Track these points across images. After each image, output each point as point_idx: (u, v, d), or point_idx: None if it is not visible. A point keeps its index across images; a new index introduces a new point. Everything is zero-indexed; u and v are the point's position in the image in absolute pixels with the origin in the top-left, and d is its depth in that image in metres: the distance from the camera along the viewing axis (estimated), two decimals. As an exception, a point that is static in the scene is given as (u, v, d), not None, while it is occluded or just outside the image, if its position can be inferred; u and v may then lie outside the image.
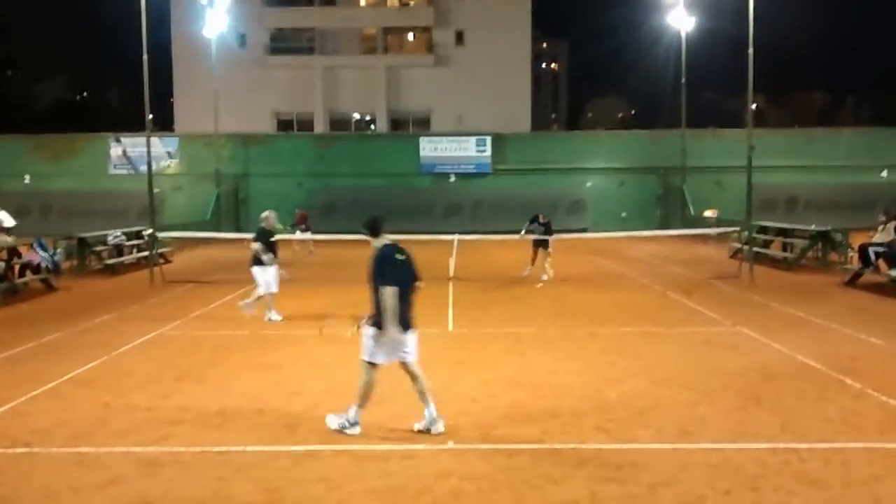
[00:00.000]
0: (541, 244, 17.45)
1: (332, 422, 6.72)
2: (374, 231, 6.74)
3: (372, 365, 6.59)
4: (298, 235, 23.52)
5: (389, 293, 6.33)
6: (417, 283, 6.79)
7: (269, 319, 12.32)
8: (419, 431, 6.59)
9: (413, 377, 6.67)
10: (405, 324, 6.51)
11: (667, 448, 6.22)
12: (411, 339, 6.65)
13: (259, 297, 12.30)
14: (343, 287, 16.83)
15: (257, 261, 12.18)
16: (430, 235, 21.12)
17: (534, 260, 17.52)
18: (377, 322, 6.48)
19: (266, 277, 12.21)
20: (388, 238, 6.75)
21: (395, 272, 6.45)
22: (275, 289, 12.37)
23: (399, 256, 6.59)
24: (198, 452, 6.21)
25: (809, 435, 6.52)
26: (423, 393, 6.64)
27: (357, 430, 6.61)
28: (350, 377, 8.62)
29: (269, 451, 6.24)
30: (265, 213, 12.70)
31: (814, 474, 5.64)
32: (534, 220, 17.58)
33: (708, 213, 29.76)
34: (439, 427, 6.58)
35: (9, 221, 21.80)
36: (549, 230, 17.38)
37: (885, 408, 7.29)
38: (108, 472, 5.81)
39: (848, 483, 5.48)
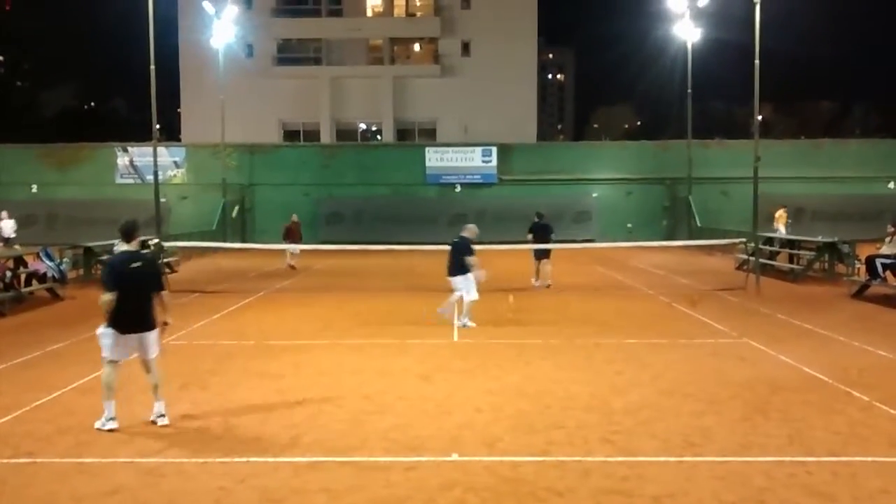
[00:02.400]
0: (541, 256, 17.37)
1: (97, 424, 7.02)
2: (126, 237, 7.17)
3: (111, 362, 7.03)
4: (290, 247, 23.35)
5: (105, 298, 6.81)
6: (162, 292, 7.25)
7: (465, 325, 12.59)
8: (150, 422, 7.09)
9: (147, 371, 7.23)
10: (142, 325, 7.03)
11: (672, 460, 6.17)
12: (147, 338, 7.12)
13: (456, 301, 12.69)
14: (347, 295, 16.86)
15: (462, 269, 12.56)
16: (435, 246, 21.09)
17: (538, 269, 17.45)
18: (111, 322, 6.93)
19: (468, 285, 12.56)
20: (135, 245, 7.25)
21: (118, 279, 6.87)
22: (475, 296, 12.65)
23: (133, 265, 7.04)
24: (199, 462, 6.18)
25: (817, 447, 6.45)
26: (156, 387, 7.21)
27: (115, 423, 6.96)
28: (352, 385, 8.63)
29: (271, 461, 6.20)
30: (469, 225, 13.21)
31: (822, 488, 5.57)
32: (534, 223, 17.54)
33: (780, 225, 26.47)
34: (165, 420, 7.08)
35: (8, 231, 21.72)
36: (547, 231, 17.25)
37: (893, 420, 7.21)
38: (110, 481, 5.79)
39: (856, 497, 5.41)
